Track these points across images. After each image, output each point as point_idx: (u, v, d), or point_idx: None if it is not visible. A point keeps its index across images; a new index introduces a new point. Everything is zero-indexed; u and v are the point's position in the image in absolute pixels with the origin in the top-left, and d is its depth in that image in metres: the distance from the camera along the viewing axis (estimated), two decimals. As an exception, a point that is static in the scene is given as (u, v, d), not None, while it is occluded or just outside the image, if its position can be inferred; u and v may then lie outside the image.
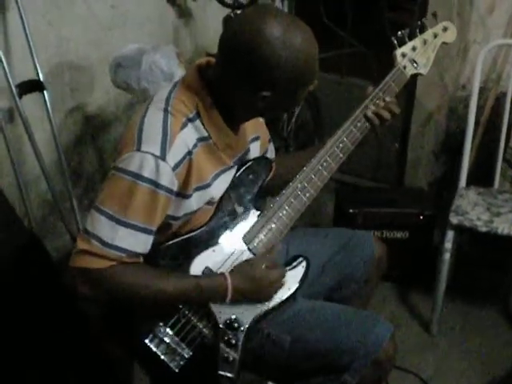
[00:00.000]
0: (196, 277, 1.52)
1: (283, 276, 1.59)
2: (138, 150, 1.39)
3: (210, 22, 3.21)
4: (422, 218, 2.74)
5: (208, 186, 1.51)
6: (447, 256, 2.45)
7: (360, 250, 1.84)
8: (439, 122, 3.12)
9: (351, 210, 2.75)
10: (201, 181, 1.49)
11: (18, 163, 2.41)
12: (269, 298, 1.57)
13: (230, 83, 1.45)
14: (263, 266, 1.54)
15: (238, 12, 2.71)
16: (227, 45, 1.42)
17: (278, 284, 1.58)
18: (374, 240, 1.89)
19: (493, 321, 2.66)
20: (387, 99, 1.69)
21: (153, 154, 1.38)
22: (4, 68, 2.28)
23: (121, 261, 1.42)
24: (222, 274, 1.51)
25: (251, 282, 1.52)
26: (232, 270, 1.53)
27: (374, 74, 3.28)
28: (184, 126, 1.45)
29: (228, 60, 1.42)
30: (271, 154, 1.86)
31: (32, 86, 2.42)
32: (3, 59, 2.28)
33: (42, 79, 2.44)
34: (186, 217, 1.51)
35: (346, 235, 1.89)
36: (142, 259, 1.47)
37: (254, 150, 1.69)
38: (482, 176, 2.76)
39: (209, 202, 1.54)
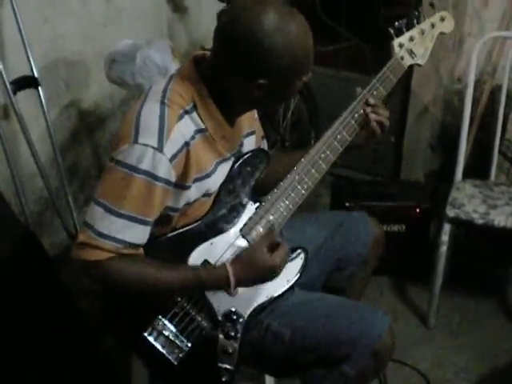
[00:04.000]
0: (197, 269, 1.51)
1: (286, 254, 1.56)
2: (136, 142, 1.39)
3: (205, 16, 3.21)
4: (418, 211, 2.74)
5: (208, 175, 1.51)
6: (444, 249, 2.45)
7: (356, 231, 1.85)
8: (435, 114, 3.13)
9: (348, 204, 2.75)
10: (201, 171, 1.49)
11: (13, 160, 2.40)
12: (273, 279, 1.55)
13: (226, 72, 1.45)
14: (263, 250, 1.52)
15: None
16: (223, 32, 1.42)
17: (281, 265, 1.54)
18: (369, 220, 1.89)
19: (490, 313, 2.66)
20: (371, 101, 1.67)
21: (150, 146, 1.38)
22: (-2, 64, 2.28)
23: (119, 252, 1.42)
24: (223, 265, 1.51)
25: (252, 268, 1.51)
26: (232, 261, 1.52)
27: (370, 67, 3.28)
28: (181, 117, 1.44)
29: (224, 47, 1.42)
30: None
31: (27, 82, 2.41)
32: (-3, 55, 2.28)
33: (36, 75, 2.43)
34: (184, 208, 1.51)
35: (341, 217, 1.90)
36: (141, 250, 1.47)
37: (249, 145, 1.69)
38: (478, 168, 2.76)
39: (205, 194, 1.53)
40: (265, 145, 1.85)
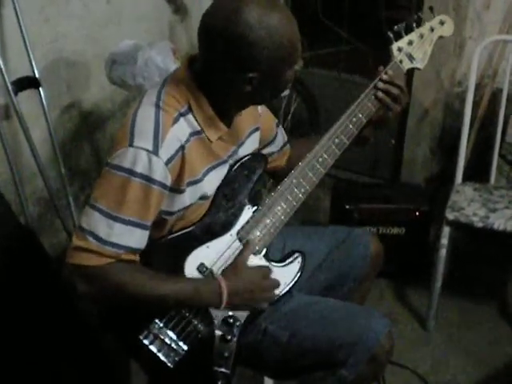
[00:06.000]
0: (192, 280, 1.52)
1: (267, 271, 1.60)
2: (131, 145, 1.39)
3: (206, 18, 3.21)
4: (418, 214, 2.75)
5: (199, 181, 1.51)
6: (443, 252, 2.45)
7: (357, 249, 1.85)
8: (435, 118, 3.13)
9: (347, 206, 2.75)
10: (193, 176, 1.49)
11: (14, 160, 2.39)
12: (262, 303, 1.58)
13: (215, 70, 1.44)
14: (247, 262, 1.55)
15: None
16: (206, 31, 1.42)
17: (272, 291, 1.59)
18: (370, 238, 1.89)
19: (489, 316, 2.66)
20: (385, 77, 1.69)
21: (145, 149, 1.38)
22: (-1, 65, 2.28)
23: (117, 258, 1.41)
24: (217, 279, 1.51)
25: (246, 285, 1.53)
26: (226, 274, 1.53)
27: (370, 70, 3.28)
28: (176, 120, 1.45)
29: (209, 46, 1.42)
30: (283, 138, 1.87)
31: (28, 83, 2.41)
32: (-2, 56, 2.28)
33: (37, 76, 2.43)
34: (180, 212, 1.51)
35: (343, 233, 1.89)
36: (138, 257, 1.47)
37: (252, 143, 1.70)
38: (478, 172, 2.76)
39: (202, 197, 1.54)
40: (281, 131, 1.85)
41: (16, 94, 2.33)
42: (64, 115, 2.75)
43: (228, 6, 1.37)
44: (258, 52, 1.38)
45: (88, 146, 2.93)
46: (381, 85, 1.68)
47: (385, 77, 1.69)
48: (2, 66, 2.28)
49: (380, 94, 1.68)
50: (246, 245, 1.58)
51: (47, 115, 2.51)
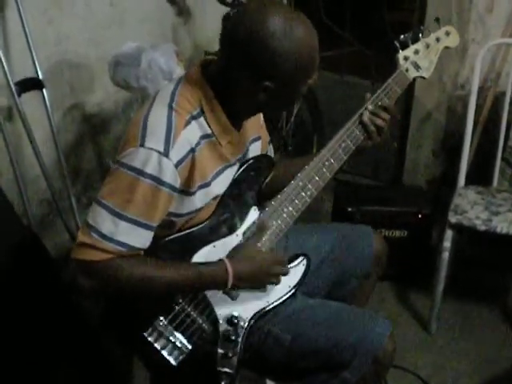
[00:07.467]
0: (196, 264, 1.52)
1: (282, 259, 1.60)
2: (142, 145, 1.39)
3: (209, 20, 3.22)
4: (420, 216, 2.75)
5: (209, 184, 1.51)
6: (446, 255, 2.45)
7: (360, 245, 1.85)
8: (438, 121, 3.13)
9: (350, 209, 2.75)
10: (203, 179, 1.49)
11: (17, 161, 2.40)
12: (270, 280, 1.58)
13: (232, 75, 1.45)
14: (257, 245, 1.55)
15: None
16: (231, 36, 1.43)
17: (278, 266, 1.58)
18: (373, 235, 1.89)
19: (491, 320, 2.66)
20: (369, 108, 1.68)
21: (156, 151, 1.39)
22: (3, 66, 2.28)
23: (119, 254, 1.42)
24: (221, 259, 1.51)
25: (251, 263, 1.53)
26: (230, 256, 1.53)
27: (373, 73, 3.29)
28: (188, 123, 1.45)
29: (231, 51, 1.43)
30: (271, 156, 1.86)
31: (31, 84, 2.43)
32: (2, 57, 2.28)
33: (41, 77, 2.44)
34: (190, 215, 1.52)
35: (346, 230, 1.90)
36: (141, 253, 1.47)
37: (255, 150, 1.70)
38: (480, 175, 2.76)
39: (214, 198, 1.55)
40: (271, 150, 1.86)
41: (19, 95, 2.35)
42: (67, 117, 2.76)
43: (255, 14, 1.39)
44: (279, 62, 1.40)
45: (91, 147, 2.93)
46: (368, 112, 1.66)
47: (370, 107, 1.67)
48: (6, 67, 2.29)
49: (366, 118, 1.65)
50: (261, 225, 1.58)
51: (50, 116, 2.51)
